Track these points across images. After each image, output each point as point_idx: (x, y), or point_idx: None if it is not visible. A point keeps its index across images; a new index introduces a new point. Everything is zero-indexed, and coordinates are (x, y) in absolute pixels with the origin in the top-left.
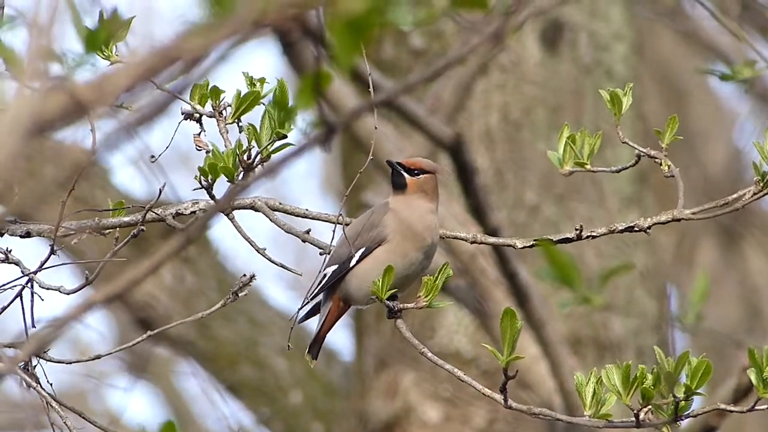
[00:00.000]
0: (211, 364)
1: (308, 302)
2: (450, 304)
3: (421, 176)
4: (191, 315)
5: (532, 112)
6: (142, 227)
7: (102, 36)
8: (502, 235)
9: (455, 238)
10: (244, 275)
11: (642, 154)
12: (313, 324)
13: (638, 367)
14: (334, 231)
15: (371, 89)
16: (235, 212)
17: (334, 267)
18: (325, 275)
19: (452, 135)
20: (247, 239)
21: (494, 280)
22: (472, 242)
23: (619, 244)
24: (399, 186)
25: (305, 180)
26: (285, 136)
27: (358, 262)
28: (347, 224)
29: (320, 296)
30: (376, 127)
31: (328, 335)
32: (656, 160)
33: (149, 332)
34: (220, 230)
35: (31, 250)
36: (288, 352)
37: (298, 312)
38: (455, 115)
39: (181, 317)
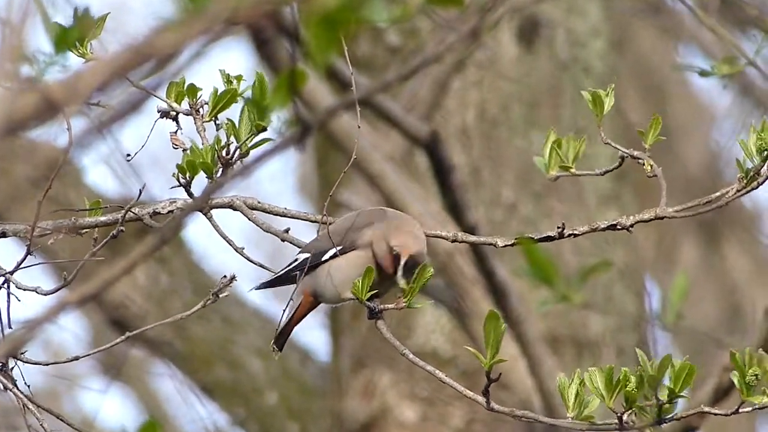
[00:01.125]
0: (186, 364)
1: (277, 276)
2: (429, 303)
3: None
4: (165, 315)
5: (509, 108)
6: (122, 227)
7: (75, 33)
8: (479, 234)
9: (435, 236)
10: (225, 276)
11: (625, 155)
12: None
13: (621, 370)
14: (318, 231)
15: (353, 86)
16: (213, 211)
17: (309, 256)
18: (296, 260)
19: (428, 132)
20: (225, 238)
21: (472, 279)
22: (453, 241)
23: (598, 241)
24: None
25: (279, 180)
26: (265, 129)
27: (331, 258)
28: (330, 224)
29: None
30: (359, 126)
31: (296, 329)
32: (639, 161)
33: (128, 333)
34: (194, 230)
35: (3, 250)
36: (263, 353)
37: (257, 287)
38: (431, 113)
39: (156, 318)
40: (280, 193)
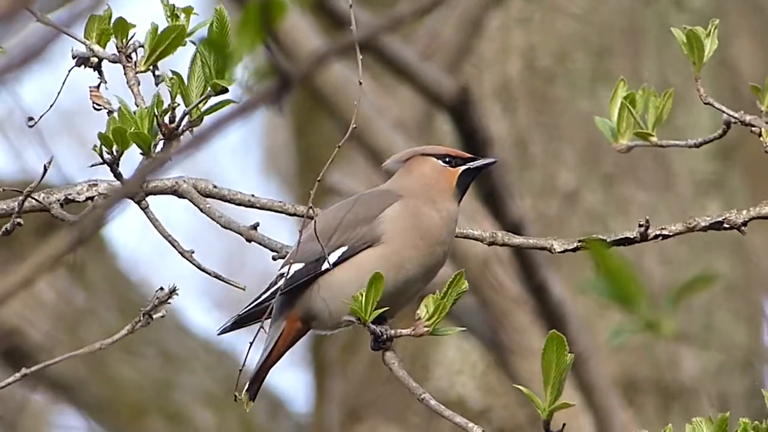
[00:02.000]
0: (108, 415)
1: (250, 310)
2: (459, 330)
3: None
4: (79, 345)
5: (568, 57)
6: (19, 219)
7: None
8: (527, 233)
9: (465, 237)
10: (161, 289)
11: (733, 120)
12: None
13: (741, 421)
14: (301, 229)
15: (352, 24)
16: (150, 199)
17: (299, 267)
18: (282, 275)
19: (455, 89)
20: (166, 237)
21: (515, 297)
22: (489, 243)
23: (695, 245)
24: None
25: (238, 155)
26: (225, 90)
27: (334, 266)
28: (314, 217)
29: (270, 305)
30: (360, 82)
31: (273, 369)
32: (753, 128)
33: (25, 370)
34: (121, 225)
35: None
36: (216, 401)
37: (227, 324)
38: (459, 62)
39: (66, 349)
40: (241, 172)
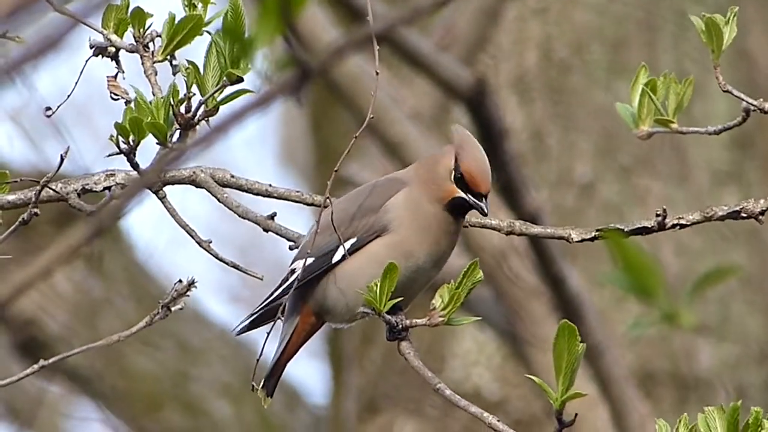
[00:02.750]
0: (124, 407)
1: (264, 308)
2: (475, 320)
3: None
4: (96, 337)
5: (585, 49)
6: (36, 209)
7: None
8: (543, 224)
9: (483, 227)
10: (180, 281)
11: (752, 108)
12: (263, 344)
13: (752, 410)
14: (318, 218)
15: (369, 16)
16: (168, 189)
17: (310, 261)
18: (293, 271)
19: (471, 81)
20: (184, 228)
21: (532, 290)
22: (507, 233)
23: (712, 236)
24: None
25: (254, 146)
26: (240, 79)
27: (344, 258)
28: (327, 207)
29: (275, 306)
30: (377, 73)
31: (290, 363)
32: None
33: (42, 362)
34: (138, 216)
35: None
36: (233, 392)
37: (245, 320)
38: (476, 53)
39: (83, 340)
40: (257, 163)
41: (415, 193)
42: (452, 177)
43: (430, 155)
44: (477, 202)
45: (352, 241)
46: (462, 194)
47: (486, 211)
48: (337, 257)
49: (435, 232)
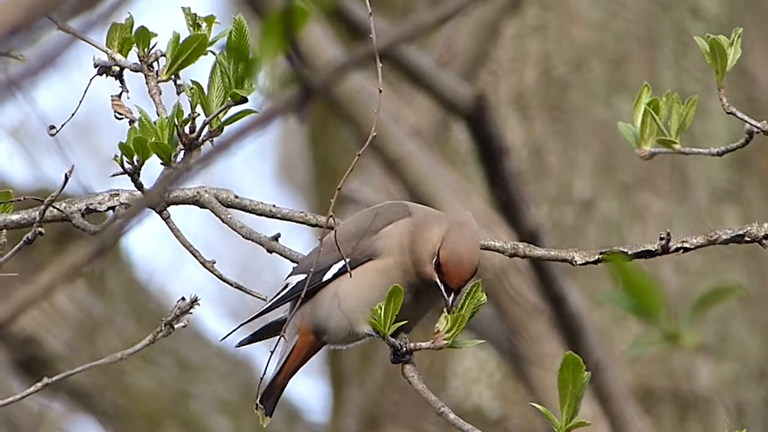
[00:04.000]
0: (124, 424)
1: (254, 318)
2: (479, 343)
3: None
4: (97, 355)
5: (584, 66)
6: (40, 229)
7: None
8: (543, 242)
9: (487, 248)
10: (183, 299)
11: (756, 129)
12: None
13: None
14: (321, 238)
15: (372, 33)
16: (171, 209)
17: (302, 277)
18: (287, 285)
19: (471, 97)
20: (188, 248)
21: (532, 308)
22: (511, 255)
23: (710, 255)
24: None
25: (252, 163)
26: (245, 100)
27: (336, 276)
28: (334, 227)
29: (275, 322)
30: (380, 90)
31: (290, 383)
32: None
33: (46, 380)
34: (138, 235)
35: None
36: (232, 409)
37: (236, 329)
38: (475, 70)
39: (83, 358)
40: (255, 180)
41: (408, 236)
42: (433, 261)
43: (435, 215)
44: (445, 296)
45: (344, 262)
46: (437, 281)
47: (449, 308)
48: (328, 276)
49: (413, 285)
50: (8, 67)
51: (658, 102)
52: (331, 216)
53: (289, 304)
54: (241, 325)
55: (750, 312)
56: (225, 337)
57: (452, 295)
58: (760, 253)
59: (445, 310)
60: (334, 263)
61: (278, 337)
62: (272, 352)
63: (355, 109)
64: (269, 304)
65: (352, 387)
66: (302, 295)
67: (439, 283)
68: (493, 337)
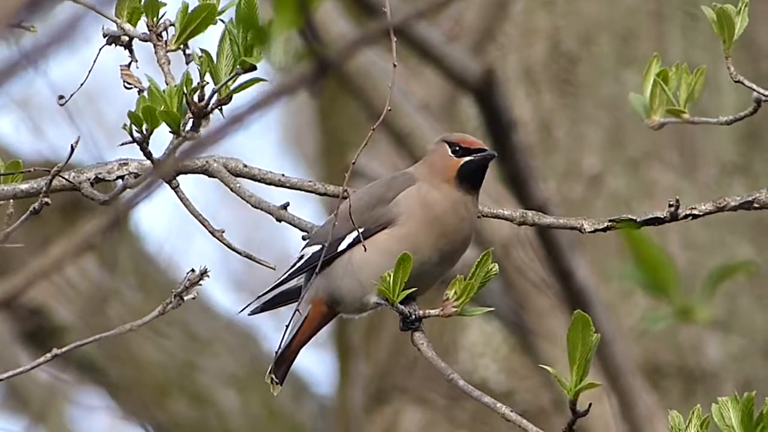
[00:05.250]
0: (131, 396)
1: (270, 291)
2: (487, 311)
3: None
4: (104, 327)
5: (593, 41)
6: (47, 199)
7: None
8: (552, 215)
9: (496, 216)
10: (192, 270)
11: (764, 98)
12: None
13: (766, 400)
14: (336, 210)
15: (387, 8)
16: (180, 178)
17: (317, 248)
18: (302, 257)
19: (479, 72)
20: (197, 217)
21: (539, 282)
22: (520, 223)
23: (720, 230)
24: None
25: (260, 136)
26: (254, 67)
27: (350, 246)
28: (346, 197)
29: (291, 286)
30: (395, 65)
31: (300, 352)
32: None
33: (55, 351)
34: (146, 205)
35: None
36: (240, 382)
37: (250, 305)
38: (484, 45)
39: (91, 329)
40: (260, 152)
41: (424, 188)
42: (451, 153)
43: (427, 154)
44: (482, 154)
45: (362, 230)
46: (467, 157)
47: (494, 153)
48: (343, 246)
49: (443, 227)
50: (20, 39)
51: (668, 72)
52: (346, 189)
53: (304, 275)
54: (258, 297)
55: (758, 287)
56: (242, 310)
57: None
58: (767, 228)
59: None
60: (349, 233)
61: (292, 307)
62: (287, 326)
63: (365, 83)
64: (285, 275)
65: (359, 359)
66: (318, 266)
67: (473, 156)
68: (500, 311)
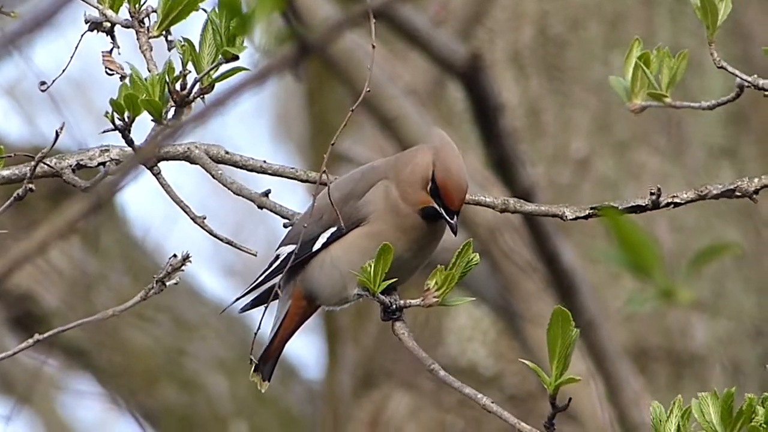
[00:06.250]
0: (119, 382)
1: (246, 293)
2: (469, 301)
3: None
4: (90, 312)
5: (581, 25)
6: (31, 185)
7: None
8: (538, 200)
9: (477, 204)
10: (174, 256)
11: (746, 84)
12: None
13: (746, 397)
14: (314, 196)
15: None
16: (162, 165)
17: (293, 248)
18: (278, 257)
19: (466, 56)
20: (179, 203)
21: (526, 266)
22: (501, 210)
23: (706, 213)
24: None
25: (248, 120)
26: (236, 57)
27: (326, 245)
28: (326, 185)
29: (272, 285)
30: (374, 46)
31: (285, 347)
32: (766, 93)
33: (37, 336)
34: (131, 192)
35: None
36: (228, 367)
37: (233, 303)
38: (471, 28)
39: (78, 315)
40: (251, 138)
41: (392, 190)
42: (428, 187)
43: (410, 152)
44: (448, 219)
45: (333, 229)
46: (435, 206)
47: (455, 230)
48: (317, 246)
49: (411, 230)
50: (2, 24)
51: (649, 55)
52: (324, 172)
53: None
54: (235, 301)
55: (745, 270)
56: (223, 311)
57: (455, 217)
58: (755, 211)
59: (439, 268)
60: (322, 232)
61: (269, 302)
62: (263, 315)
63: (351, 67)
64: (261, 277)
65: (347, 344)
66: (287, 267)
67: (439, 209)
68: (487, 295)
